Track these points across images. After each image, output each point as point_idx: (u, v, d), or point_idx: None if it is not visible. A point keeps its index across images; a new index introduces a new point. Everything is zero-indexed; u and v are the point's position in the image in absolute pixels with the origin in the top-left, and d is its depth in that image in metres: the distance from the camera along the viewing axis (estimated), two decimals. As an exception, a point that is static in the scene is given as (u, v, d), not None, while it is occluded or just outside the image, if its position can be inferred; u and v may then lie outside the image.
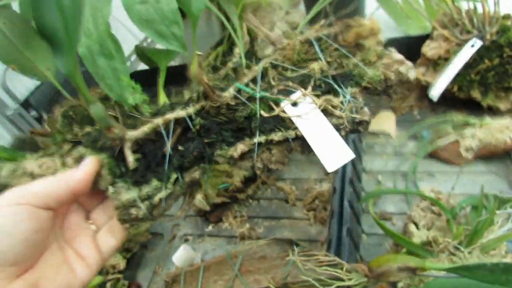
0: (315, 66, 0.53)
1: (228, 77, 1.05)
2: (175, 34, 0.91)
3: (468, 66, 0.93)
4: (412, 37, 1.12)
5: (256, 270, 0.61)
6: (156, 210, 0.47)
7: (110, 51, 0.88)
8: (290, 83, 0.51)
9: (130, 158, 0.45)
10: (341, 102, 0.50)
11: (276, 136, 0.49)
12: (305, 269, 0.55)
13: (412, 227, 0.68)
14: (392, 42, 1.11)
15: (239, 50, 1.05)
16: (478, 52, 0.91)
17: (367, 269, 0.51)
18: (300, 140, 0.50)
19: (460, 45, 0.95)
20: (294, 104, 0.50)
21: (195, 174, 0.49)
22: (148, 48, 1.07)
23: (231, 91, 0.51)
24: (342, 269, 0.53)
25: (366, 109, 0.52)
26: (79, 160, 0.46)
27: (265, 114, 0.49)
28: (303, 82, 0.53)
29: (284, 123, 0.50)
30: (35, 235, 0.38)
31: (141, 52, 1.10)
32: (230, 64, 1.05)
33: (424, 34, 1.08)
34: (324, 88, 0.52)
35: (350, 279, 0.52)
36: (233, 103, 0.50)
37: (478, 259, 0.58)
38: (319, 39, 0.57)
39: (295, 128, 0.49)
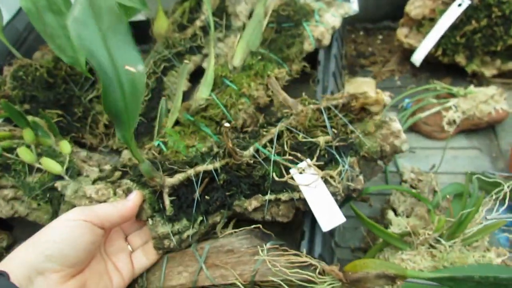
0: (321, 139, 0.60)
1: (196, 37, 0.96)
2: (133, -11, 0.81)
3: (453, 28, 0.86)
4: (395, -6, 1.03)
5: (223, 265, 0.56)
6: (184, 243, 0.58)
7: (58, 6, 0.77)
8: (299, 154, 0.59)
9: (167, 202, 0.56)
10: (340, 172, 0.58)
11: (284, 196, 0.58)
12: (275, 269, 0.50)
13: (390, 214, 0.64)
14: (372, 0, 1.04)
15: (207, 6, 0.95)
16: (465, 12, 0.84)
17: (341, 274, 0.46)
18: (303, 201, 0.58)
19: (447, 3, 0.88)
20: (301, 172, 0.58)
21: (217, 218, 0.61)
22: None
23: (251, 151, 0.60)
24: (315, 270, 0.49)
25: (361, 177, 0.59)
26: (127, 192, 0.57)
27: (276, 178, 0.58)
28: (310, 148, 0.61)
29: (291, 186, 0.58)
30: (90, 245, 0.49)
31: (97, 6, 0.98)
32: (198, 23, 0.95)
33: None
34: (327, 158, 0.59)
35: (323, 283, 0.48)
36: (251, 161, 0.60)
37: (460, 253, 0.54)
38: (328, 108, 0.64)
39: (299, 191, 0.58)
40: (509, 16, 0.81)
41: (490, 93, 0.80)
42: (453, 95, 0.83)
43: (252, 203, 0.59)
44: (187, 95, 0.88)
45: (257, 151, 0.61)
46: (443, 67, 0.93)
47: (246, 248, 0.56)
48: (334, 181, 0.57)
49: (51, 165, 0.71)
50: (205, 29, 0.97)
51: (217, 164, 0.60)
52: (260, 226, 0.59)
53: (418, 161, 0.80)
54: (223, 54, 0.97)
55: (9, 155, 0.72)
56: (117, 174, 0.64)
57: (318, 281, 0.48)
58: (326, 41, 0.89)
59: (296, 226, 0.73)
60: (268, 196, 0.59)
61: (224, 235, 0.59)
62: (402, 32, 0.95)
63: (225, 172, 0.60)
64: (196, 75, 0.95)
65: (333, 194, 0.57)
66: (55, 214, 0.75)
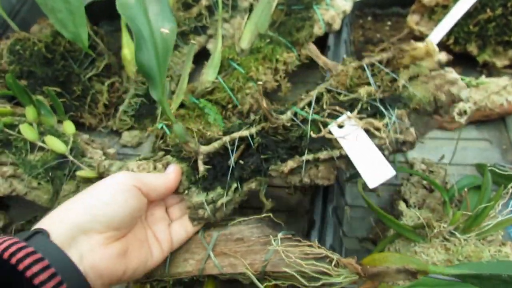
0: (362, 90, 0.56)
1: (201, 17, 0.93)
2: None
3: (467, 16, 0.84)
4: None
5: (232, 254, 0.54)
6: (219, 212, 0.57)
7: (60, -21, 0.74)
8: (337, 107, 0.56)
9: (201, 167, 0.56)
10: (386, 124, 0.54)
11: (322, 154, 0.55)
12: (289, 260, 0.48)
13: (402, 205, 0.62)
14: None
15: (214, -15, 0.92)
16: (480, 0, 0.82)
17: (359, 268, 0.45)
18: (345, 158, 0.54)
19: (461, -9, 0.85)
20: (340, 126, 0.55)
21: (252, 185, 0.58)
22: (107, -23, 0.92)
23: (288, 114, 0.58)
24: (331, 263, 0.47)
25: (411, 130, 0.55)
26: (166, 166, 0.58)
27: (313, 135, 0.55)
28: (352, 105, 0.57)
29: (330, 143, 0.55)
30: (135, 212, 0.49)
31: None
32: (203, 1, 0.92)
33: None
34: (371, 111, 0.56)
35: (338, 276, 0.46)
36: (289, 124, 0.57)
37: (475, 247, 0.53)
38: (372, 65, 0.60)
39: (340, 148, 0.54)
40: (525, 5, 0.79)
41: (503, 83, 0.79)
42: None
43: (288, 165, 0.56)
44: (190, 77, 0.85)
45: (295, 114, 0.58)
46: (453, 55, 0.91)
47: (257, 237, 0.54)
48: (380, 132, 0.53)
49: (56, 144, 0.69)
50: (210, 9, 0.94)
51: (253, 130, 0.57)
52: (271, 214, 0.56)
53: (427, 152, 0.78)
54: (229, 35, 0.94)
55: (10, 131, 0.70)
56: (161, 153, 0.63)
57: (334, 273, 0.46)
58: (336, 26, 0.86)
59: (300, 215, 0.72)
60: (306, 156, 0.55)
61: (234, 223, 0.57)
62: (413, 19, 0.93)
63: (261, 136, 0.57)
64: (200, 56, 0.92)
65: (380, 147, 0.53)
66: (55, 194, 0.73)
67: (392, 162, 0.77)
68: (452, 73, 0.58)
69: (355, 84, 0.60)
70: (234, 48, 0.82)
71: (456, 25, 0.84)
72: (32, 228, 0.43)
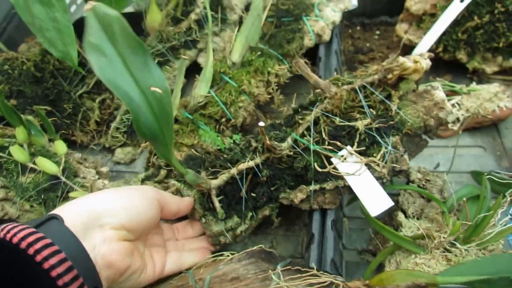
0: (359, 123, 0.59)
1: (191, 31, 0.92)
2: (125, -21, 0.77)
3: (455, 24, 0.85)
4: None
5: (229, 296, 0.51)
6: (238, 237, 0.62)
7: (48, -3, 0.73)
8: (338, 143, 0.59)
9: (217, 204, 0.59)
10: (383, 154, 0.58)
11: (328, 185, 0.59)
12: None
13: (400, 216, 0.62)
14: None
15: (202, -1, 0.92)
16: (467, 7, 0.83)
17: None
18: (348, 187, 0.58)
19: (448, -1, 0.86)
20: (343, 160, 0.58)
21: (266, 212, 0.63)
22: (94, -7, 0.91)
23: (289, 141, 0.60)
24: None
25: (406, 157, 0.59)
26: (175, 193, 0.61)
27: (318, 169, 0.58)
28: (350, 132, 0.60)
29: (334, 174, 0.58)
30: (152, 222, 0.52)
31: (87, -3, 0.94)
32: (192, 16, 0.92)
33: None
34: (368, 141, 0.59)
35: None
36: (291, 152, 0.60)
37: (476, 257, 0.53)
38: (363, 87, 0.62)
39: (344, 179, 0.58)
40: (512, 12, 0.80)
41: (494, 90, 0.79)
42: (455, 93, 0.82)
43: (298, 196, 0.60)
44: (182, 91, 0.84)
45: (295, 141, 0.61)
46: (442, 64, 0.92)
47: (253, 273, 0.49)
48: (378, 165, 0.57)
49: (47, 165, 0.67)
50: (200, 23, 0.93)
51: (258, 160, 0.60)
52: (262, 246, 0.55)
53: (422, 160, 0.78)
54: (219, 48, 0.94)
55: (0, 154, 0.68)
56: (163, 172, 0.67)
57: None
58: (326, 37, 0.87)
59: (299, 228, 0.72)
60: (313, 187, 0.59)
61: (225, 262, 0.53)
62: (401, 28, 0.94)
63: (267, 166, 0.61)
64: (191, 70, 0.91)
65: (378, 179, 0.57)
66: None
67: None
68: (438, 91, 0.61)
69: (349, 107, 0.62)
70: (226, 62, 0.82)
71: (444, 33, 0.85)
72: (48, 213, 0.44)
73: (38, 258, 0.37)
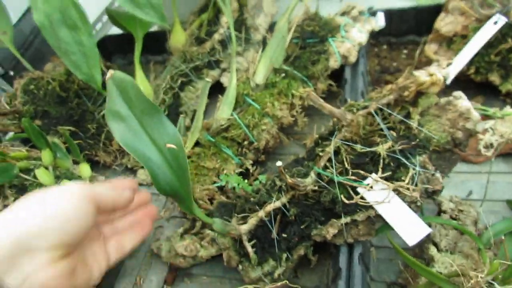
0: (380, 148, 0.56)
1: (214, 51, 0.92)
2: (151, 1, 0.76)
3: (488, 46, 0.82)
4: (420, 8, 0.99)
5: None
6: (277, 280, 0.60)
7: (73, 20, 0.72)
8: (362, 172, 0.55)
9: (250, 249, 0.59)
10: (412, 177, 0.54)
11: (359, 216, 0.56)
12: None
13: (432, 250, 0.59)
14: (397, 14, 0.99)
15: (226, 19, 0.91)
16: (500, 30, 0.80)
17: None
18: (381, 216, 0.54)
19: (480, 20, 0.83)
20: (369, 189, 0.55)
21: (301, 251, 0.61)
22: (121, 13, 0.92)
23: (312, 176, 0.58)
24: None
25: (438, 175, 0.55)
26: (211, 242, 0.64)
27: (346, 201, 0.55)
28: (373, 158, 0.57)
29: (363, 205, 0.55)
30: (87, 227, 0.45)
31: (113, 16, 0.94)
32: (216, 36, 0.91)
33: (434, 4, 0.96)
34: (394, 165, 0.55)
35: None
36: (316, 187, 0.58)
37: (515, 298, 0.50)
38: (380, 109, 0.60)
39: (374, 208, 0.54)
40: (548, 34, 0.77)
41: (529, 115, 0.76)
42: (489, 117, 0.79)
43: (330, 231, 0.57)
44: (204, 111, 0.83)
45: (318, 174, 0.59)
46: (473, 85, 0.89)
47: None
48: (408, 189, 0.53)
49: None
50: (223, 43, 0.93)
51: (284, 200, 0.59)
52: (287, 282, 0.57)
53: (453, 186, 0.75)
54: (243, 68, 0.93)
55: (26, 176, 0.68)
56: (198, 224, 0.68)
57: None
58: (352, 58, 0.85)
59: (324, 257, 0.69)
60: (343, 220, 0.57)
61: None
62: (431, 49, 0.91)
63: (294, 204, 0.60)
64: (214, 90, 0.91)
65: (411, 204, 0.54)
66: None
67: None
68: (461, 100, 0.57)
69: (369, 131, 0.60)
70: (249, 83, 0.81)
71: (476, 54, 0.82)
72: None
73: None
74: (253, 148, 0.78)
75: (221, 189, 0.74)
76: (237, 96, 0.80)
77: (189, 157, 0.76)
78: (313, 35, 0.85)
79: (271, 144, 0.81)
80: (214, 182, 0.74)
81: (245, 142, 0.77)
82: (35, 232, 0.40)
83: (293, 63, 0.84)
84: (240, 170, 0.78)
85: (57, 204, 0.42)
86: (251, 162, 0.79)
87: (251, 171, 0.79)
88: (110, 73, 0.47)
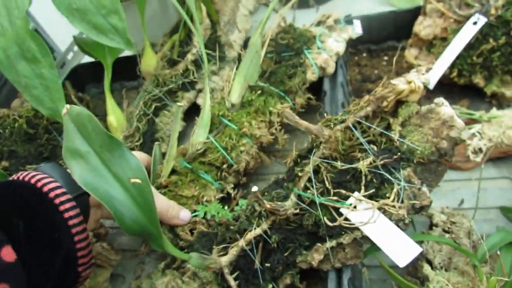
0: (361, 165, 0.52)
1: (188, 72, 0.88)
2: (115, 26, 0.72)
3: (469, 47, 0.79)
4: (399, 12, 0.97)
5: None
6: None
7: (32, 53, 0.68)
8: (343, 191, 0.52)
9: (232, 283, 0.55)
10: (397, 193, 0.51)
11: (345, 239, 0.52)
12: None
13: (427, 268, 0.55)
14: (375, 20, 0.97)
15: (198, 38, 0.88)
16: (481, 30, 0.77)
17: None
18: (368, 238, 0.51)
19: (460, 22, 0.81)
20: (353, 209, 0.52)
21: (287, 280, 0.57)
22: (88, 42, 0.89)
23: (292, 199, 0.55)
24: None
25: (424, 189, 0.52)
26: (192, 277, 0.58)
27: (329, 224, 0.52)
28: (354, 175, 0.54)
29: (348, 227, 0.52)
30: None
31: (81, 45, 0.91)
32: (189, 56, 0.88)
33: (413, 7, 0.93)
34: (377, 181, 0.52)
35: None
36: (297, 210, 0.55)
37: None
38: (358, 122, 0.56)
39: (360, 229, 0.51)
40: (530, 31, 0.74)
41: (517, 116, 0.73)
42: (475, 121, 0.76)
43: (315, 257, 0.54)
44: (182, 135, 0.79)
45: (298, 196, 0.56)
46: (457, 88, 0.86)
47: None
48: (394, 207, 0.50)
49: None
50: (197, 63, 0.90)
51: (265, 226, 0.56)
52: None
53: (444, 196, 0.72)
54: (219, 88, 0.89)
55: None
56: (179, 259, 0.63)
57: None
58: (330, 69, 0.82)
59: (315, 281, 0.65)
60: (329, 244, 0.53)
61: None
62: (411, 54, 0.88)
63: (275, 230, 0.56)
64: (191, 112, 0.87)
65: (398, 222, 0.51)
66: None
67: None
68: (444, 107, 0.54)
69: (348, 147, 0.57)
70: (224, 103, 0.77)
71: (458, 57, 0.79)
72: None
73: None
74: (233, 171, 0.74)
75: (204, 215, 0.70)
76: (212, 118, 0.76)
77: (165, 186, 0.72)
78: (288, 48, 0.82)
79: (252, 165, 0.78)
80: (195, 211, 0.70)
81: (224, 166, 0.73)
82: None
83: (269, 78, 0.80)
84: (221, 195, 0.75)
85: None
86: (232, 185, 0.75)
87: (232, 195, 0.75)
88: (65, 108, 0.45)
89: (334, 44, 0.84)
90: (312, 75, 0.81)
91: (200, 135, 0.74)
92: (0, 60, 0.67)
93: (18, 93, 0.94)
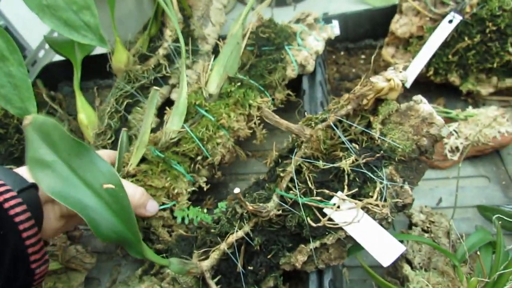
0: (343, 164, 0.52)
1: (160, 67, 0.86)
2: (87, 23, 0.69)
3: (445, 45, 0.80)
4: (375, 11, 0.97)
5: None
6: None
7: (0, 51, 0.65)
8: (326, 191, 0.52)
9: (214, 287, 0.54)
10: (380, 191, 0.50)
11: (328, 240, 0.52)
12: None
13: (406, 268, 0.55)
14: (352, 18, 0.97)
15: (170, 32, 0.86)
16: (456, 28, 0.78)
17: None
18: (351, 238, 0.51)
19: (435, 20, 0.81)
20: (336, 209, 0.51)
21: (270, 283, 0.56)
22: (57, 39, 0.86)
23: (274, 199, 0.54)
24: None
25: (406, 187, 0.52)
26: (172, 282, 0.57)
27: (313, 224, 0.51)
28: (337, 174, 0.53)
29: (332, 227, 0.51)
30: None
31: (50, 43, 0.88)
32: (161, 51, 0.86)
33: (390, 5, 0.94)
34: (360, 180, 0.52)
35: None
36: (280, 211, 0.54)
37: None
38: (339, 121, 0.56)
39: (343, 229, 0.51)
40: (505, 30, 0.75)
41: (492, 114, 0.74)
42: (452, 119, 0.76)
43: (299, 259, 0.53)
44: (154, 131, 0.76)
45: (281, 197, 0.55)
46: (434, 87, 0.87)
47: None
48: (377, 206, 0.50)
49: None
50: (169, 57, 0.87)
51: (247, 228, 0.55)
52: None
53: (422, 195, 0.72)
54: (192, 81, 0.87)
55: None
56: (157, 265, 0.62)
57: None
58: (310, 67, 0.81)
59: (295, 282, 0.65)
60: (312, 244, 0.52)
61: None
62: (388, 52, 0.88)
63: (258, 232, 0.55)
64: (164, 109, 0.85)
65: (382, 221, 0.51)
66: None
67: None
68: (423, 104, 0.54)
69: (330, 146, 0.57)
70: (202, 93, 0.74)
71: (434, 55, 0.80)
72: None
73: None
74: (207, 163, 0.72)
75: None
76: (188, 107, 0.72)
77: (133, 175, 0.67)
78: (269, 42, 0.80)
79: (227, 159, 0.75)
80: (163, 204, 0.67)
81: (199, 157, 0.70)
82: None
83: (249, 71, 0.78)
84: (193, 188, 0.72)
85: None
86: (205, 179, 0.73)
87: (204, 189, 0.73)
88: (27, 119, 0.44)
89: (314, 42, 0.83)
90: (292, 72, 0.80)
91: (174, 123, 0.71)
92: (-34, 57, 0.63)
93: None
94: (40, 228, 0.47)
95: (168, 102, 0.87)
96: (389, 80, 0.54)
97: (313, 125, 0.58)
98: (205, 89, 0.75)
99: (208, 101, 0.74)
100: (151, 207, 0.63)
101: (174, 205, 0.67)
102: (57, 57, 1.07)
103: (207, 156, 0.71)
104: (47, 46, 1.05)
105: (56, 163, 0.43)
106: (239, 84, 0.76)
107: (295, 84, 0.83)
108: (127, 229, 0.45)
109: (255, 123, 0.77)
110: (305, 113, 0.75)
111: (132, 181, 0.65)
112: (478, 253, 0.50)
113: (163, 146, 0.70)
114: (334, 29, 0.87)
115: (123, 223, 0.45)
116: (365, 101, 0.55)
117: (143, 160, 0.70)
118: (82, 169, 0.44)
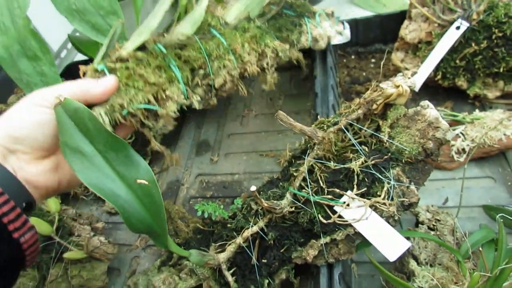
0: (353, 164, 0.55)
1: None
2: (112, 25, 0.74)
3: (452, 51, 0.83)
4: (385, 16, 1.00)
5: None
6: None
7: (33, 51, 0.70)
8: (337, 190, 0.55)
9: (230, 278, 0.58)
10: (387, 191, 0.53)
11: (338, 235, 0.55)
12: None
13: (413, 264, 0.58)
14: (362, 23, 1.00)
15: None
16: (463, 34, 0.81)
17: None
18: (360, 234, 0.54)
19: (443, 26, 0.84)
20: (346, 206, 0.54)
21: (282, 275, 0.60)
22: (82, 40, 0.90)
23: (288, 197, 0.57)
24: None
25: (412, 187, 0.55)
26: (189, 273, 0.60)
27: (324, 221, 0.54)
28: (347, 175, 0.56)
29: (341, 224, 0.54)
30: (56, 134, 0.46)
31: (76, 43, 0.92)
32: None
33: (399, 11, 0.97)
34: (369, 180, 0.55)
35: None
36: (293, 208, 0.57)
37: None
38: (350, 124, 0.59)
39: (352, 225, 0.54)
40: (510, 36, 0.78)
41: (498, 117, 0.76)
42: (459, 122, 0.79)
43: (310, 253, 0.56)
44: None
45: (294, 195, 0.58)
46: (442, 90, 0.90)
47: None
48: (385, 204, 0.53)
49: (40, 226, 0.65)
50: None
51: (261, 224, 0.59)
52: None
53: (429, 195, 0.75)
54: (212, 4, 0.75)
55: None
56: (176, 255, 0.65)
57: None
58: (322, 44, 0.84)
59: (306, 276, 0.68)
60: (323, 240, 0.56)
61: None
62: (397, 57, 0.91)
63: (272, 228, 0.59)
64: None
65: (388, 218, 0.54)
66: (42, 280, 0.68)
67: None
68: (429, 109, 0.57)
69: (341, 148, 0.60)
70: (218, 19, 0.70)
71: (442, 60, 0.83)
72: None
73: None
74: (206, 83, 0.65)
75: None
76: (202, 23, 0.66)
77: (126, 60, 0.57)
78: (291, 8, 0.83)
79: (227, 88, 0.69)
80: (149, 102, 0.57)
81: (201, 71, 0.63)
82: (13, 139, 0.45)
83: (269, 22, 0.78)
84: (184, 101, 0.62)
85: (27, 116, 0.46)
86: (198, 98, 0.65)
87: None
88: (57, 99, 0.45)
89: (329, 28, 0.86)
90: (305, 41, 0.82)
91: (186, 27, 0.63)
92: (3, 58, 0.68)
93: (14, 88, 0.94)
94: (18, 195, 0.44)
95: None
96: (397, 87, 0.57)
97: (325, 128, 0.62)
98: (222, 17, 0.70)
99: (224, 27, 0.69)
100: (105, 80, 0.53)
101: (157, 112, 0.59)
102: (78, 57, 1.12)
103: (209, 73, 0.64)
104: (69, 46, 1.09)
105: (93, 154, 0.45)
106: (257, 25, 0.74)
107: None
108: (156, 222, 0.48)
109: (267, 64, 0.73)
110: (318, 116, 0.78)
111: (119, 66, 0.56)
112: (481, 249, 0.53)
113: (167, 44, 0.62)
114: (346, 30, 0.90)
115: (152, 217, 0.47)
116: (374, 106, 0.58)
117: (142, 48, 0.60)
118: (118, 162, 0.46)
